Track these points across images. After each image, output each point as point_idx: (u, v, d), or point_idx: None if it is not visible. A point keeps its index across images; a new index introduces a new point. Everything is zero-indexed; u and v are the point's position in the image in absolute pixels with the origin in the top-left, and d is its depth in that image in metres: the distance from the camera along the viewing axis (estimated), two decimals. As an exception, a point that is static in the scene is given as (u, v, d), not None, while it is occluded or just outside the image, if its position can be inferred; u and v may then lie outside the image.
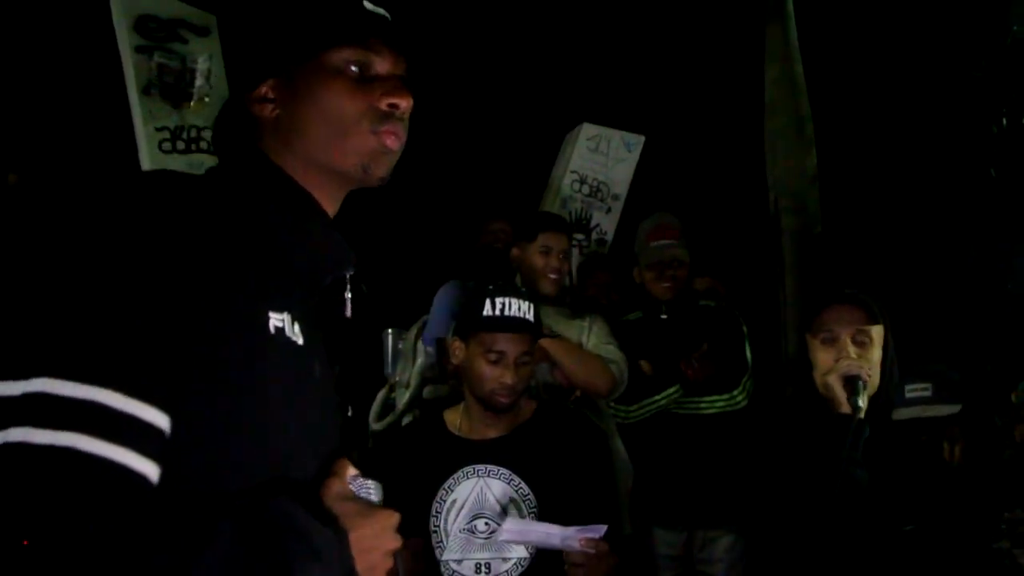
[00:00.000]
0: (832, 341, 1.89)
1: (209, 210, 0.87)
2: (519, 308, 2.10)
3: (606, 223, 4.05)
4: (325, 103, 0.97)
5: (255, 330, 0.87)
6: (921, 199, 6.22)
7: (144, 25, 3.57)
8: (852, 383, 1.81)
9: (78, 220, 0.82)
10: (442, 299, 3.08)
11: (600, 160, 4.03)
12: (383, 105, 0.98)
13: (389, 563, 0.94)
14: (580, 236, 4.01)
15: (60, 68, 5.33)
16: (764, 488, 1.97)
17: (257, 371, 0.87)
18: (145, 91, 3.55)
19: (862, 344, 1.87)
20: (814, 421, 1.88)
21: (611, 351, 2.86)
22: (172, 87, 3.60)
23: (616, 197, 4.06)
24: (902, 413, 2.43)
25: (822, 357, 1.89)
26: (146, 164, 3.53)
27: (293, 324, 0.91)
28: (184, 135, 3.58)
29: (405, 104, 0.99)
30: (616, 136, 4.07)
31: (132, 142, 3.60)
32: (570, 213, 3.90)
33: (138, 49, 3.54)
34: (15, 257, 0.81)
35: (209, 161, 3.62)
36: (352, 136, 0.97)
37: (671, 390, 3.05)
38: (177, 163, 3.49)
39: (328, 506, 0.91)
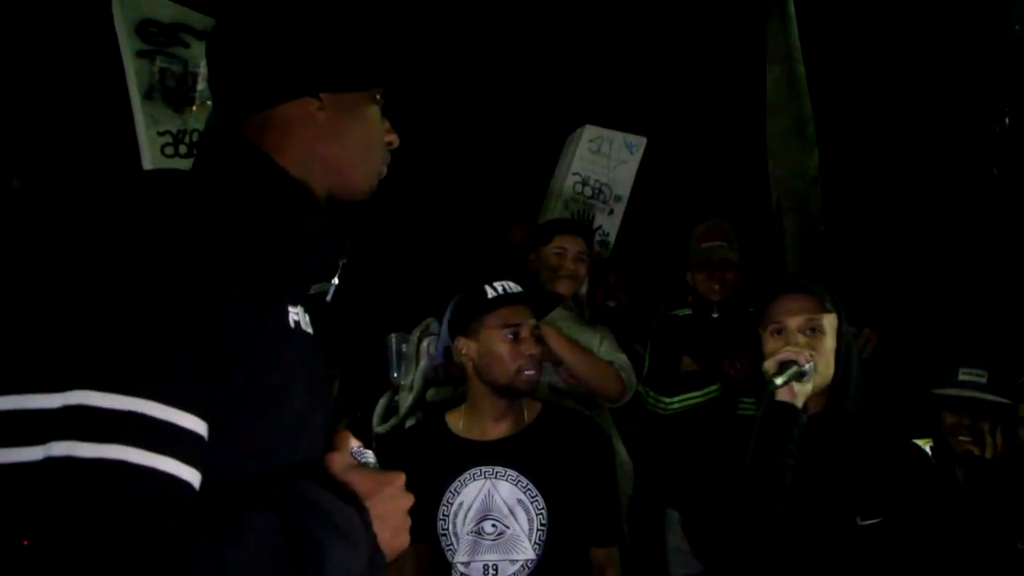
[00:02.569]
0: (780, 331, 1.85)
1: (226, 208, 0.89)
2: (516, 287, 2.13)
3: (608, 225, 4.05)
4: (365, 126, 1.09)
5: (279, 326, 0.90)
6: (923, 199, 6.22)
7: (145, 29, 3.56)
8: (785, 366, 1.76)
9: (100, 226, 0.81)
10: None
11: (602, 162, 4.03)
12: (387, 141, 1.14)
13: (408, 522, 1.00)
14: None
15: (62, 73, 5.34)
16: (703, 474, 1.96)
17: (284, 367, 0.89)
18: (147, 95, 3.54)
19: (812, 333, 1.82)
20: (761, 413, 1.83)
21: (621, 359, 2.87)
22: (174, 91, 3.59)
23: (618, 199, 4.06)
24: (954, 392, 2.41)
25: (770, 347, 1.85)
26: (149, 168, 3.53)
27: (304, 316, 0.97)
28: (186, 139, 3.57)
29: (397, 144, 1.16)
30: (618, 138, 4.06)
31: (134, 146, 3.59)
32: (572, 215, 3.90)
33: (139, 54, 3.53)
34: (35, 265, 0.80)
35: (212, 165, 3.62)
36: (372, 160, 1.11)
37: (712, 388, 3.05)
38: (180, 167, 3.49)
39: (341, 480, 0.96)
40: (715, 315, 3.21)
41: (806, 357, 1.76)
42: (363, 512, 0.93)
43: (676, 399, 3.07)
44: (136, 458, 0.75)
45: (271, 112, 1.03)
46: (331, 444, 1.00)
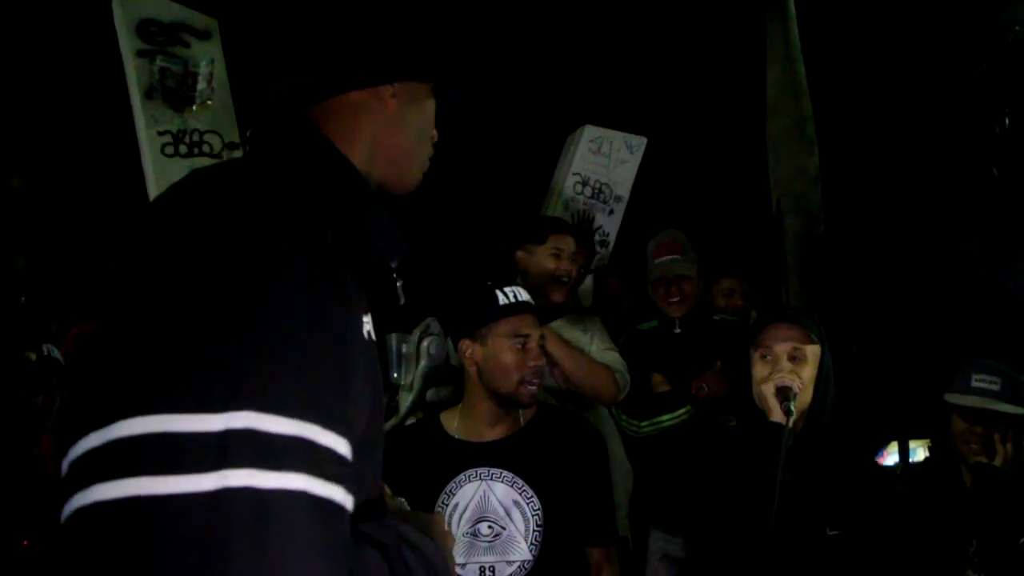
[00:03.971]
0: (768, 357, 2.03)
1: (323, 215, 0.83)
2: (526, 295, 2.13)
3: (608, 225, 4.05)
4: (426, 119, 1.09)
5: (364, 339, 0.85)
6: (923, 199, 6.22)
7: (146, 29, 3.56)
8: (784, 393, 1.94)
9: (230, 240, 0.76)
10: None
11: (602, 162, 4.03)
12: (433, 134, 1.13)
13: (454, 563, 1.01)
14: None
15: (62, 73, 5.35)
16: (700, 492, 2.10)
17: (369, 380, 0.85)
18: (147, 95, 3.54)
19: (796, 360, 2.00)
20: (749, 430, 2.03)
21: (614, 358, 2.84)
22: (174, 91, 3.59)
23: (618, 199, 4.06)
24: (967, 400, 2.39)
25: (759, 370, 2.03)
26: (148, 168, 3.52)
27: (371, 324, 0.91)
28: (186, 139, 3.57)
29: (437, 138, 1.14)
30: (618, 138, 4.06)
31: (134, 146, 3.60)
32: (572, 215, 3.90)
33: (140, 53, 3.53)
34: (180, 279, 0.74)
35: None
36: (423, 152, 1.10)
37: (682, 411, 2.98)
38: (179, 167, 3.49)
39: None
40: (677, 330, 3.13)
41: (798, 385, 1.96)
42: (439, 545, 0.94)
43: (647, 423, 3.01)
44: (317, 489, 0.70)
45: (342, 97, 1.00)
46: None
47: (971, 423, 2.38)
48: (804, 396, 1.98)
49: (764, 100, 5.62)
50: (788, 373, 1.96)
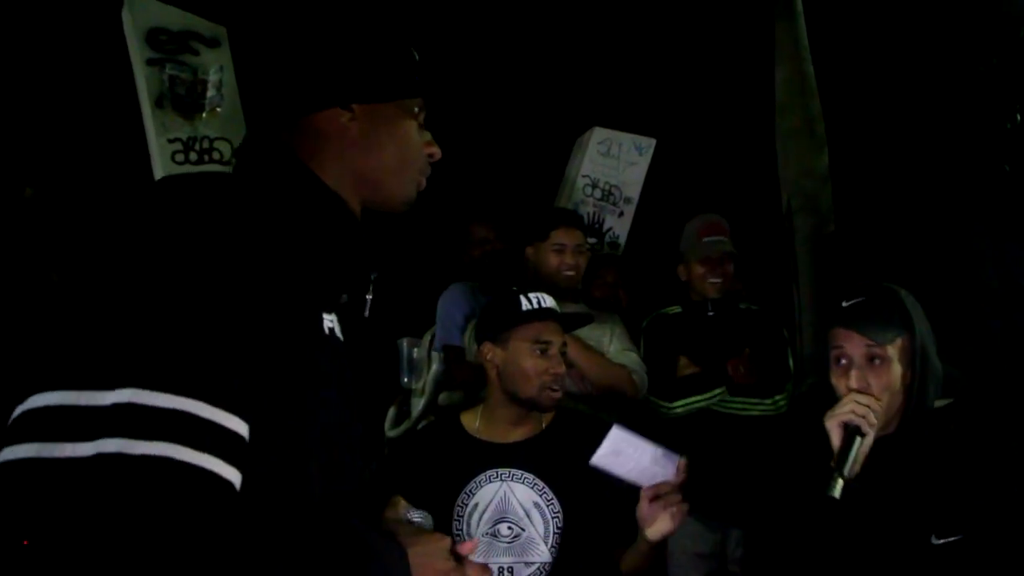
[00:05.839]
0: (840, 363, 1.68)
1: (267, 218, 0.91)
2: (551, 301, 2.13)
3: (618, 227, 4.05)
4: (400, 138, 1.10)
5: (315, 333, 0.92)
6: (934, 196, 6.19)
7: (155, 38, 3.58)
8: (849, 436, 1.57)
9: (154, 233, 0.85)
10: (448, 303, 3.07)
11: (611, 164, 4.03)
12: (427, 153, 1.14)
13: None
14: (592, 240, 4.00)
15: (73, 82, 5.37)
16: (764, 488, 1.87)
17: (320, 373, 0.92)
18: (157, 103, 3.56)
19: (873, 365, 1.64)
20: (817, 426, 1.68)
21: (632, 359, 2.84)
22: (184, 99, 3.61)
23: (628, 200, 4.06)
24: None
25: (835, 380, 1.67)
26: (159, 176, 3.54)
27: (337, 323, 0.99)
28: (197, 146, 3.59)
29: (439, 156, 1.16)
30: (627, 139, 4.06)
31: (145, 154, 3.61)
32: (582, 217, 3.89)
33: (149, 62, 3.55)
34: (93, 267, 0.85)
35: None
36: (408, 172, 1.12)
37: (717, 391, 2.99)
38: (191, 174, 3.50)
39: (387, 528, 1.02)
40: (711, 313, 3.14)
41: (870, 420, 1.58)
42: (403, 553, 0.98)
43: (679, 403, 2.99)
44: (181, 455, 0.77)
45: (306, 122, 1.05)
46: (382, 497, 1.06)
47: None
48: (892, 403, 1.64)
49: (773, 99, 5.60)
50: (861, 400, 1.58)
